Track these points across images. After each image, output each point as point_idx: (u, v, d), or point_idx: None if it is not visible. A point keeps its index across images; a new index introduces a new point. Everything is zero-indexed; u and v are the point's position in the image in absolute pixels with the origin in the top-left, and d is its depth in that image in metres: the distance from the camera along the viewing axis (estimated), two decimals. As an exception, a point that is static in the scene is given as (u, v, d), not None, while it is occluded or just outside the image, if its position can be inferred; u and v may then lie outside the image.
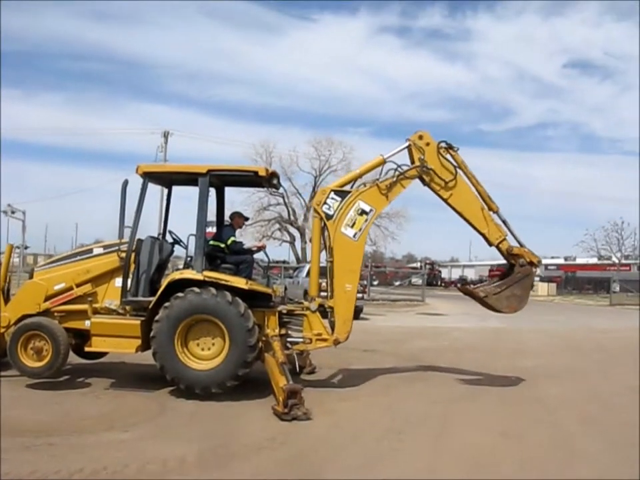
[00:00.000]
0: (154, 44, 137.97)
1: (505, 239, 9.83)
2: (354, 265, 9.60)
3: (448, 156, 9.82)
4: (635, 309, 37.43)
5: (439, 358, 13.20)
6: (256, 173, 9.39)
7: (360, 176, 10.07)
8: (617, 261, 71.60)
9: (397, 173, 9.70)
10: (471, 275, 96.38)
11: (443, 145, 9.81)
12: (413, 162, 9.86)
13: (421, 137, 9.81)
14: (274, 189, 10.77)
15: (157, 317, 8.58)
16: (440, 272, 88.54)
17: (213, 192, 10.02)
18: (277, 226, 46.87)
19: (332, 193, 9.58)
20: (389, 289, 39.92)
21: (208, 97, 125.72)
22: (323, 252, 10.16)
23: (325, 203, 9.51)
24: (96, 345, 9.07)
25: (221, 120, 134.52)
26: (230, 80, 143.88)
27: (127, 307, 9.17)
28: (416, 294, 39.18)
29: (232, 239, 9.71)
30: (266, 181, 9.69)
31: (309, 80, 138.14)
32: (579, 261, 78.53)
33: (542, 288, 62.91)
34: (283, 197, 43.62)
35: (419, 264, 76.70)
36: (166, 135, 47.36)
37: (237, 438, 6.75)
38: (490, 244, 9.91)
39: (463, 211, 9.85)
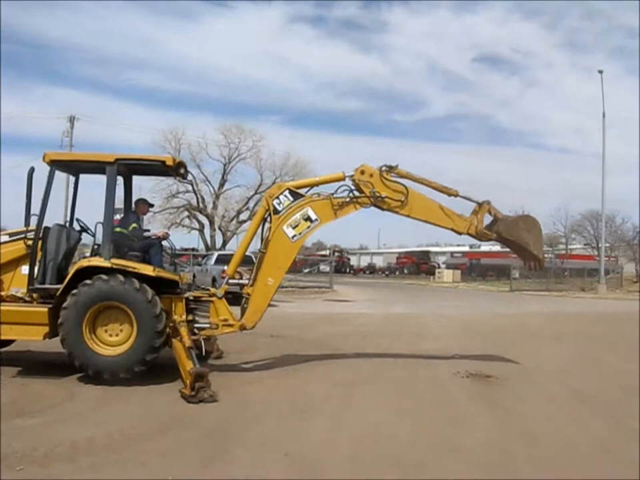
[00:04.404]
0: (61, 26, 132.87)
1: (470, 224, 10.27)
2: (283, 263, 9.91)
3: (392, 175, 10.10)
4: (532, 295, 39.37)
5: (343, 343, 13.66)
6: (163, 162, 9.53)
7: (317, 184, 10.33)
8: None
9: (350, 195, 10.07)
10: (379, 262, 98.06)
11: (385, 168, 10.04)
12: (361, 192, 10.06)
13: (362, 172, 10.04)
14: (182, 178, 10.93)
15: (64, 304, 8.64)
16: (349, 259, 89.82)
17: (120, 180, 10.08)
18: (186, 213, 46.32)
19: (287, 191, 9.86)
20: (298, 276, 40.08)
21: (120, 82, 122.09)
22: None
23: (277, 197, 9.79)
24: (2, 333, 8.97)
25: (134, 106, 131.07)
26: (143, 66, 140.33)
27: (34, 295, 9.16)
28: (324, 281, 39.69)
29: (133, 225, 9.84)
30: (173, 170, 9.82)
31: (223, 67, 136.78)
32: (483, 248, 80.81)
33: (447, 274, 64.80)
34: (192, 185, 43.33)
35: (328, 251, 77.40)
36: (72, 120, 46.22)
37: (144, 420, 6.92)
38: (460, 234, 10.42)
39: (427, 218, 10.23)
